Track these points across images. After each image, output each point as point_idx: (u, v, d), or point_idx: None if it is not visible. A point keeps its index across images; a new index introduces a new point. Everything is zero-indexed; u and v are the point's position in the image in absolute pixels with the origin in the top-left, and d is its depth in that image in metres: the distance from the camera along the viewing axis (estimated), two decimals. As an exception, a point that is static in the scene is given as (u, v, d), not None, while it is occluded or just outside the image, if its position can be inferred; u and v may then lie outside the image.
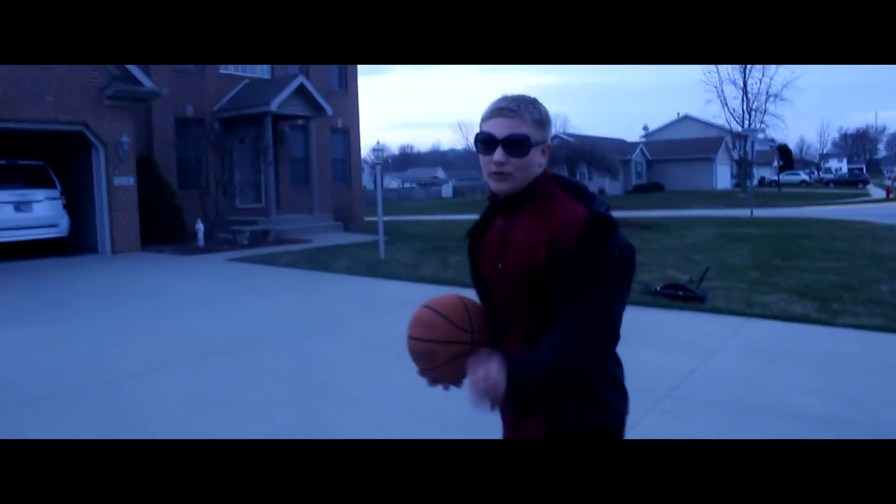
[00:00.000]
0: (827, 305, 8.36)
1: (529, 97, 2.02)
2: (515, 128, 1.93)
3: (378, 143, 15.51)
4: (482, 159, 2.00)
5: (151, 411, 5.26)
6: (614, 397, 1.96)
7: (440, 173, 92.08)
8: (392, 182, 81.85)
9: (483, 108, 2.04)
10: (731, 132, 54.66)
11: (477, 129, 2.05)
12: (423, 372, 2.05)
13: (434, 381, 2.06)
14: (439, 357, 1.99)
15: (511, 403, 1.91)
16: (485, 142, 1.98)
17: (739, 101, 52.41)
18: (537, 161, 1.98)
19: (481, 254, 2.16)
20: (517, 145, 1.93)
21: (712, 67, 52.72)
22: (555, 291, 1.89)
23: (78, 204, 15.70)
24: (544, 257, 1.90)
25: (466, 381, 1.82)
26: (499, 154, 1.93)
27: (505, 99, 2.00)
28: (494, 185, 2.00)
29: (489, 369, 1.75)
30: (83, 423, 5.02)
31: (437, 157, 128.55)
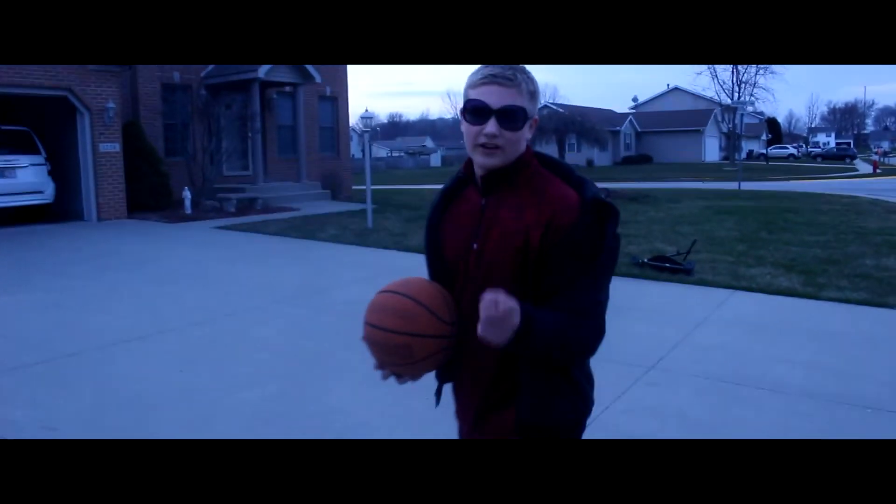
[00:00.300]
0: (812, 279, 8.41)
1: (521, 66, 1.85)
2: (511, 98, 1.77)
3: (367, 111, 15.41)
4: (469, 129, 1.82)
5: (138, 380, 5.24)
6: (588, 386, 1.90)
7: (429, 142, 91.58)
8: (380, 151, 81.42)
9: (469, 73, 1.86)
10: (720, 105, 54.72)
11: (464, 97, 1.86)
12: (388, 366, 1.85)
13: (397, 375, 1.88)
14: (417, 353, 1.79)
15: (490, 367, 1.83)
16: (476, 111, 1.79)
17: (729, 73, 52.40)
18: (526, 136, 1.84)
19: (445, 232, 1.98)
20: (512, 117, 1.77)
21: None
22: (545, 277, 1.77)
23: (63, 170, 15.51)
24: (539, 241, 1.76)
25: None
26: (492, 126, 1.76)
27: (499, 65, 1.82)
28: (482, 159, 1.82)
29: (506, 299, 1.58)
30: (69, 392, 5.01)
31: (426, 126, 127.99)
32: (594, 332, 1.78)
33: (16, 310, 7.45)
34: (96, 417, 4.54)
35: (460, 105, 1.91)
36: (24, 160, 14.55)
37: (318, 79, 20.65)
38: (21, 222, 14.90)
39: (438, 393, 2.07)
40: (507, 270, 1.80)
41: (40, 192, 14.82)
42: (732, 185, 26.25)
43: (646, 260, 9.32)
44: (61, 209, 15.64)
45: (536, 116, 1.90)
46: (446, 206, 2.02)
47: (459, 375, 1.98)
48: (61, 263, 10.40)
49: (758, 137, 75.60)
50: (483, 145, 1.80)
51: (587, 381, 1.90)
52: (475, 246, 1.86)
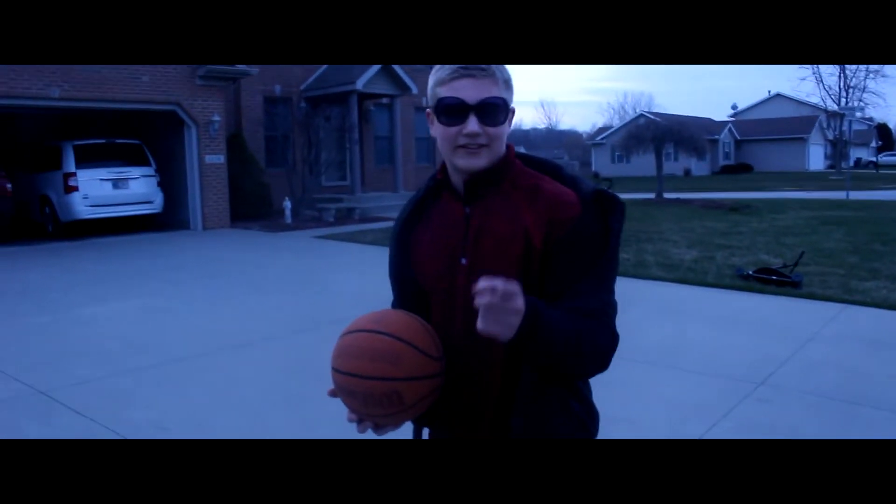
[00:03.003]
0: (932, 293, 7.97)
1: None
2: (488, 90, 1.59)
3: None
4: (444, 132, 1.63)
5: (244, 385, 5.39)
6: (591, 421, 1.69)
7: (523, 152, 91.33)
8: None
9: (433, 71, 1.68)
10: (825, 111, 52.60)
11: (431, 98, 1.68)
12: (370, 417, 1.57)
13: (376, 426, 1.60)
14: (407, 399, 1.53)
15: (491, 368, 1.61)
16: (452, 109, 1.60)
17: (836, 77, 50.36)
18: (507, 131, 1.66)
19: (421, 250, 1.76)
20: (493, 111, 1.60)
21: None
22: (548, 280, 1.58)
23: (170, 181, 16.17)
24: (542, 242, 1.58)
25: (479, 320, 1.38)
26: (472, 123, 1.58)
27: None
28: (465, 162, 1.62)
29: (510, 288, 1.35)
30: (180, 395, 5.19)
31: (520, 137, 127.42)
32: (609, 337, 1.58)
33: (130, 315, 7.78)
34: (206, 419, 4.69)
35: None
36: (135, 172, 15.22)
37: (414, 90, 20.89)
38: (132, 231, 15.60)
39: (417, 436, 1.79)
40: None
41: (150, 203, 15.46)
42: (840, 195, 25.17)
43: (751, 272, 9.02)
44: (168, 218, 16.29)
45: (514, 108, 1.69)
46: (417, 220, 1.81)
47: (447, 415, 1.71)
48: (170, 270, 10.82)
49: (866, 144, 72.29)
50: (465, 146, 1.61)
51: (588, 391, 1.71)
52: (464, 261, 1.65)
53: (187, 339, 6.73)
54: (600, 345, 1.56)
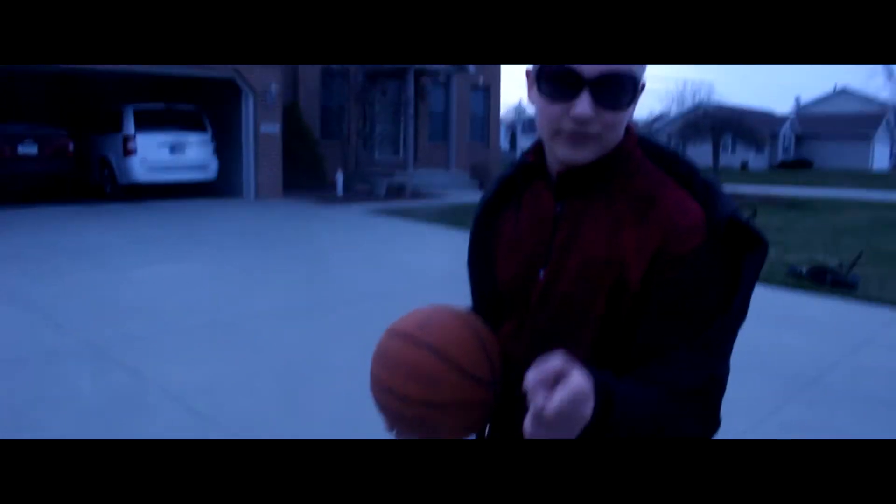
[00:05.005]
0: None
1: None
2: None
3: (520, 102, 15.38)
4: (545, 108, 1.20)
5: (290, 351, 5.46)
6: None
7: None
8: (528, 143, 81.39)
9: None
10: (894, 108, 51.02)
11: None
12: (404, 433, 1.30)
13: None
14: (442, 428, 1.26)
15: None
16: (559, 80, 1.17)
17: (907, 75, 48.76)
18: (630, 116, 1.23)
19: (500, 245, 1.40)
20: (617, 89, 1.16)
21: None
22: (641, 332, 1.18)
23: (226, 149, 16.39)
24: (641, 280, 1.17)
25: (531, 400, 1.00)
26: (584, 104, 1.14)
27: None
28: (566, 152, 1.21)
29: (571, 381, 0.97)
30: (226, 356, 5.28)
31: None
32: (704, 426, 1.19)
33: (184, 277, 7.93)
34: (249, 381, 4.77)
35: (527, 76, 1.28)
36: (192, 137, 15.47)
37: (471, 69, 20.79)
38: (186, 195, 15.87)
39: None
40: (590, 318, 1.22)
41: (206, 168, 15.72)
42: (904, 196, 24.47)
43: (804, 271, 8.83)
44: (222, 185, 16.54)
45: (645, 82, 1.25)
46: (503, 206, 1.44)
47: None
48: (224, 236, 11.00)
49: (934, 146, 70.08)
50: (572, 134, 1.19)
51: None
52: (542, 274, 1.28)
53: (236, 304, 6.84)
54: (689, 433, 1.17)
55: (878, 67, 55.78)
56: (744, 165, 48.16)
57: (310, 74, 19.51)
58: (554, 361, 0.98)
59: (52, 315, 6.20)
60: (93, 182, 16.00)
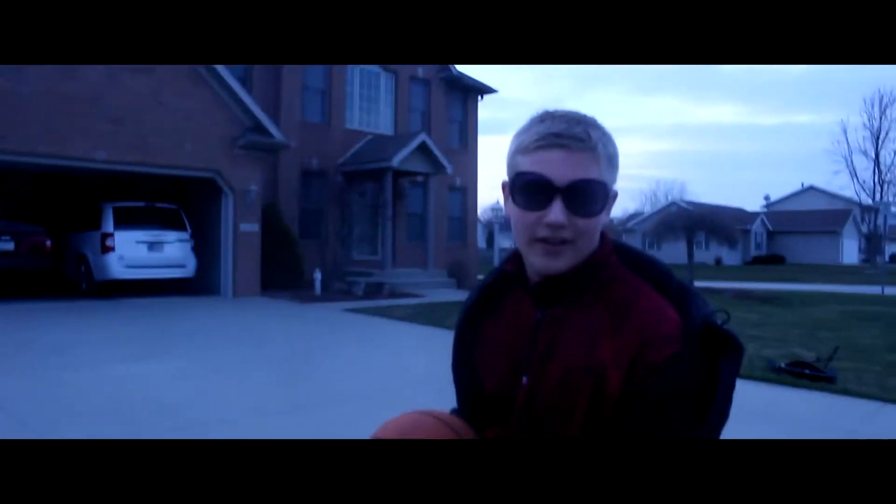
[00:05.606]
0: (974, 397, 7.74)
1: (592, 118, 1.25)
2: (584, 168, 1.19)
3: (497, 202, 15.65)
4: (520, 217, 1.24)
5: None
6: None
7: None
8: (505, 241, 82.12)
9: (517, 131, 1.29)
10: (860, 205, 52.38)
11: (511, 168, 1.30)
12: None
13: None
14: None
15: None
16: (532, 189, 1.21)
17: (871, 172, 50.34)
18: (603, 221, 1.26)
19: (483, 352, 1.44)
20: (587, 197, 1.20)
21: (841, 137, 51.44)
22: (626, 430, 1.20)
23: (204, 246, 16.42)
24: (619, 388, 1.19)
25: None
26: (557, 211, 1.18)
27: (563, 119, 1.22)
28: (541, 261, 1.24)
29: None
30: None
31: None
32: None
33: (158, 376, 7.79)
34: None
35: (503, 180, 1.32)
36: (171, 236, 15.51)
37: (449, 169, 21.17)
38: (163, 293, 15.78)
39: None
40: (572, 422, 1.24)
41: (183, 267, 15.70)
42: (875, 290, 24.82)
43: (783, 365, 8.85)
44: (200, 283, 16.49)
45: (616, 192, 1.29)
46: (485, 312, 1.47)
47: None
48: (201, 334, 10.87)
49: (902, 241, 71.66)
50: (544, 240, 1.22)
51: None
52: (525, 380, 1.30)
53: (212, 403, 6.71)
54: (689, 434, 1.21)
55: (843, 165, 57.50)
56: (718, 261, 48.90)
57: (289, 175, 19.77)
58: None
59: (15, 413, 6.05)
60: (69, 278, 15.92)
